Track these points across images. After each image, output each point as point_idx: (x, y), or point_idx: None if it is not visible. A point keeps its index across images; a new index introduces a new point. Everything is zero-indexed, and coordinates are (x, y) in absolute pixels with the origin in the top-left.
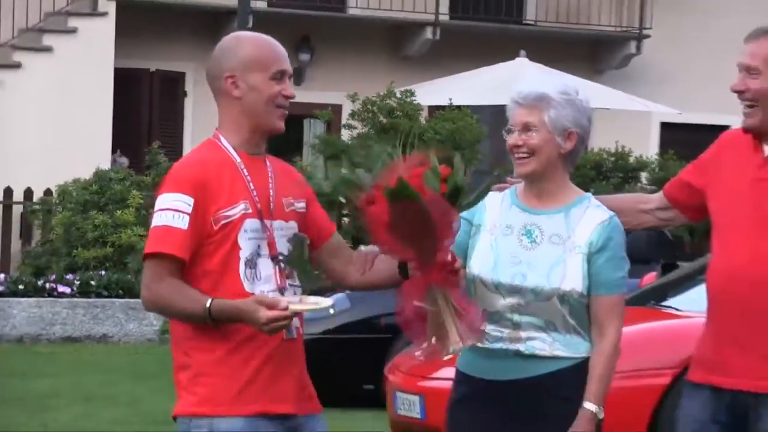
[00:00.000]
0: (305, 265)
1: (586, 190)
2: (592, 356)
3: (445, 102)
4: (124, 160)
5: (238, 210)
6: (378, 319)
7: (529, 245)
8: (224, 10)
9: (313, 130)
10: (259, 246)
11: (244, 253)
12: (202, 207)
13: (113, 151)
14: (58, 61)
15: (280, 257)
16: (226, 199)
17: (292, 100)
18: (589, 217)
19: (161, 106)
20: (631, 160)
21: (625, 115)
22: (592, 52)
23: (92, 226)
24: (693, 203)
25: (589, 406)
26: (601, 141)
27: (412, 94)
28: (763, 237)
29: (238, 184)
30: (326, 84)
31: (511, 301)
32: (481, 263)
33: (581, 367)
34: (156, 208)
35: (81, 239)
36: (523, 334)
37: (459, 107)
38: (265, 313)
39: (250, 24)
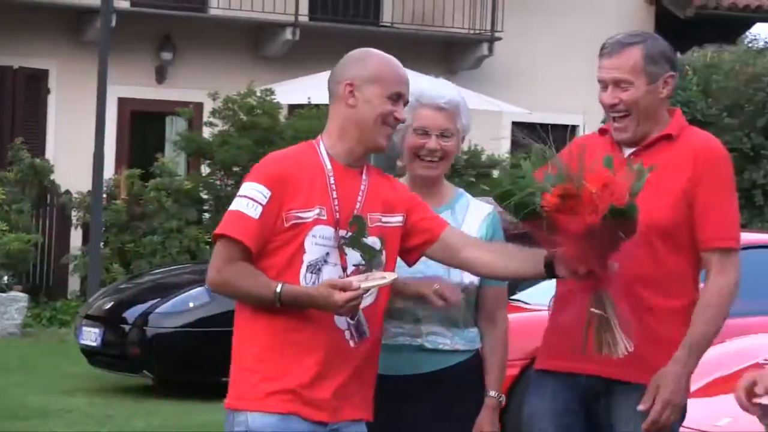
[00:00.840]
0: (364, 245)
1: None
2: (487, 344)
3: (304, 101)
4: None
5: (311, 214)
6: None
7: None
8: (87, 8)
9: (175, 128)
10: (327, 254)
11: (308, 257)
12: (277, 201)
13: None
14: None
15: (342, 240)
16: (302, 201)
17: (153, 98)
18: (473, 211)
19: (25, 102)
20: (484, 158)
21: (478, 114)
22: (446, 54)
23: None
24: None
25: (493, 394)
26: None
27: (272, 93)
28: None
29: (319, 189)
30: (188, 82)
31: (413, 298)
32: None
33: (477, 358)
34: (238, 193)
35: None
36: (423, 328)
37: (318, 106)
38: (340, 296)
39: (113, 23)
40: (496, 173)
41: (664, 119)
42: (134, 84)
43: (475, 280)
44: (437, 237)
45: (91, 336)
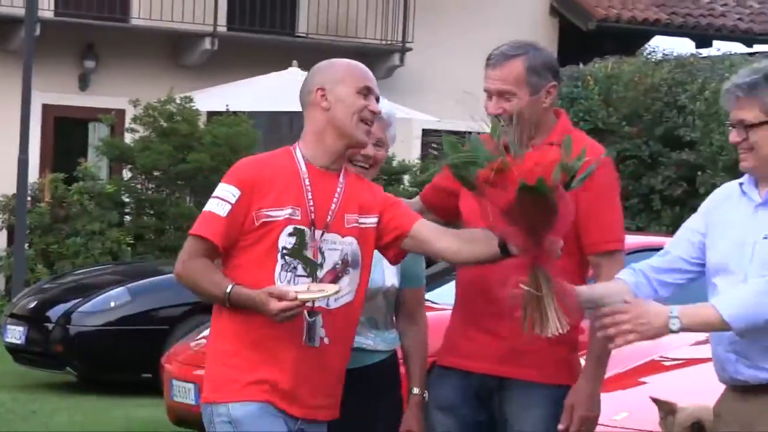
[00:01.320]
0: (305, 257)
1: None
2: (408, 343)
3: (222, 108)
4: None
5: (283, 213)
6: (156, 311)
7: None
8: (11, 18)
9: (97, 133)
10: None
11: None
12: (246, 201)
13: None
14: None
15: (284, 250)
16: (273, 200)
17: (77, 105)
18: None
19: None
20: (395, 164)
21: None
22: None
23: None
24: (448, 205)
25: (416, 391)
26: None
27: (191, 100)
28: None
29: (294, 190)
30: (110, 90)
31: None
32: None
33: (394, 357)
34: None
35: None
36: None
37: (235, 113)
38: (275, 305)
39: (37, 32)
40: (407, 178)
41: (548, 126)
42: (58, 91)
43: (396, 282)
44: (408, 232)
45: (16, 334)
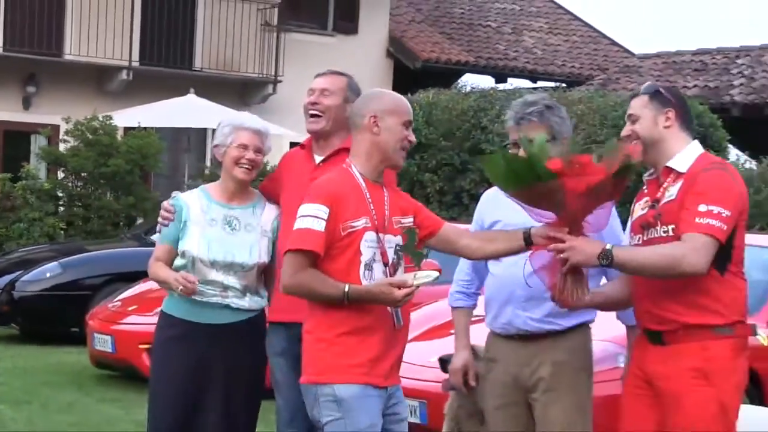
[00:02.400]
0: (415, 252)
1: None
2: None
3: (135, 124)
4: None
5: (360, 223)
6: (82, 280)
7: (231, 232)
8: None
9: (37, 143)
10: (374, 253)
11: (364, 258)
12: (334, 215)
13: None
14: None
15: (397, 247)
16: (352, 213)
17: (21, 120)
18: (268, 211)
19: None
20: (269, 168)
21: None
22: (241, 92)
23: None
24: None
25: None
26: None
27: (111, 118)
28: None
29: (362, 203)
30: (48, 109)
31: (223, 272)
32: (197, 247)
33: (262, 314)
34: (299, 214)
35: None
36: (230, 293)
37: (145, 128)
38: (399, 293)
39: None
40: None
41: (346, 134)
42: (6, 110)
43: (267, 259)
44: (437, 231)
45: None
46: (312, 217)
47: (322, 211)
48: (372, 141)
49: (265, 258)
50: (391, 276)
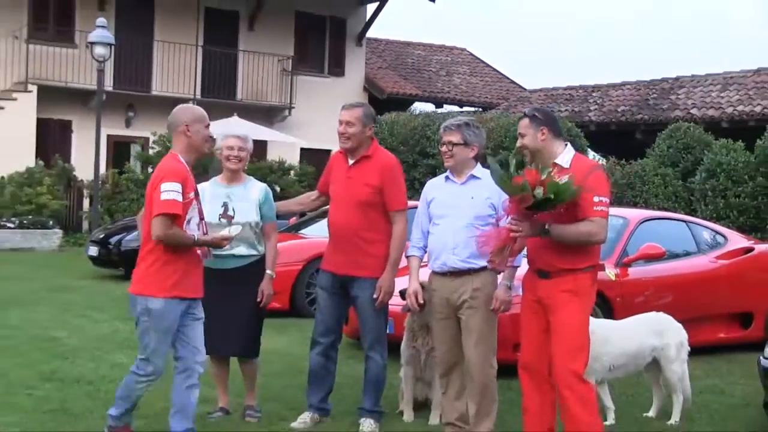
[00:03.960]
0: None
1: (267, 183)
2: (267, 250)
3: None
4: None
5: (193, 194)
6: None
7: (229, 203)
8: (88, 90)
9: (135, 149)
10: (195, 212)
11: (190, 215)
12: (184, 189)
13: None
14: None
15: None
16: (190, 188)
17: (125, 134)
18: (255, 187)
19: None
20: (286, 164)
21: (284, 144)
22: (267, 115)
23: None
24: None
25: (269, 272)
26: (274, 155)
27: None
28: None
29: (191, 181)
30: (141, 127)
31: (231, 228)
32: (209, 215)
33: (260, 260)
34: (163, 189)
35: None
36: (234, 244)
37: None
38: (225, 242)
39: (104, 98)
40: (292, 173)
41: (367, 146)
42: (114, 128)
43: (258, 219)
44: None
45: (94, 251)
46: (174, 192)
47: (180, 188)
48: (185, 142)
49: (256, 218)
50: (204, 225)
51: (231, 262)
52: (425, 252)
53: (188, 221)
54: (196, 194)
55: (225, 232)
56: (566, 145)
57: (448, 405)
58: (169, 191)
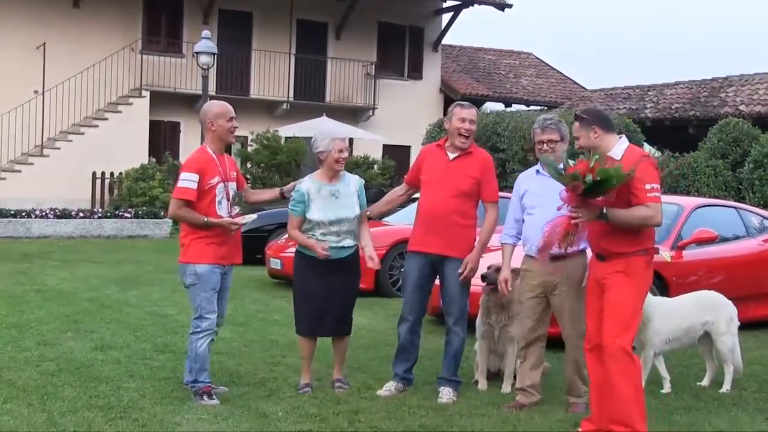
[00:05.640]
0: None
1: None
2: (361, 237)
3: (291, 134)
4: None
5: (215, 180)
6: (264, 226)
7: (336, 200)
8: (195, 95)
9: (236, 147)
10: (222, 194)
11: (217, 198)
12: (200, 179)
13: None
14: None
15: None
16: (210, 175)
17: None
18: (353, 180)
19: None
20: (370, 159)
21: (368, 141)
22: (353, 115)
23: None
24: (418, 183)
25: (369, 251)
26: (359, 152)
27: (277, 131)
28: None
29: (215, 168)
30: (241, 127)
31: (337, 225)
32: (316, 214)
33: (357, 248)
34: (181, 178)
35: None
36: (341, 237)
37: (297, 137)
38: (234, 227)
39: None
40: (375, 167)
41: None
42: None
43: (359, 211)
44: (242, 188)
45: None
46: (188, 180)
47: (195, 177)
48: (212, 134)
49: (358, 211)
50: (231, 205)
51: (343, 252)
52: (518, 240)
53: (219, 202)
54: (224, 180)
55: (240, 219)
56: (620, 138)
57: (524, 373)
58: (184, 180)
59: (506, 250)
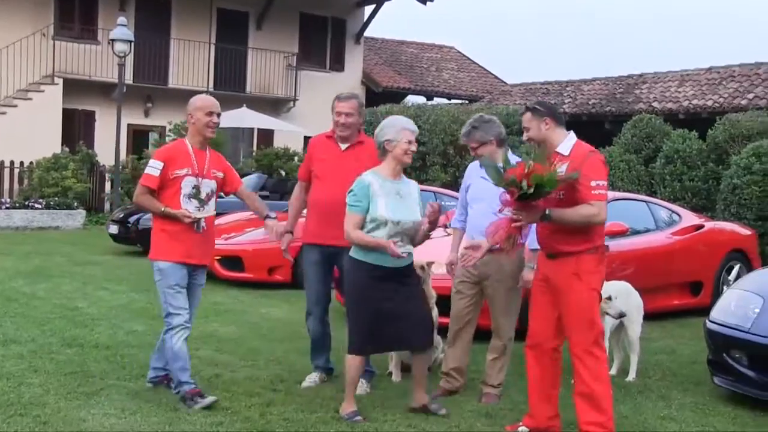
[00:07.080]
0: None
1: (274, 168)
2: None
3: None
4: None
5: (183, 171)
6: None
7: (401, 199)
8: (110, 83)
9: (153, 137)
10: (193, 188)
11: (184, 191)
12: (165, 167)
13: None
14: None
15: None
16: (178, 166)
17: (143, 123)
18: (414, 186)
19: None
20: (291, 151)
21: (288, 133)
22: (274, 106)
23: None
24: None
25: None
26: (280, 143)
27: None
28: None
29: (187, 159)
30: (159, 117)
31: (401, 227)
32: (384, 210)
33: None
34: (148, 164)
35: None
36: (401, 244)
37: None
38: (187, 219)
39: (124, 90)
40: (296, 158)
41: (358, 132)
42: (134, 117)
43: (420, 216)
44: (238, 188)
45: (114, 229)
46: (152, 168)
47: (160, 165)
48: (192, 126)
49: (420, 215)
50: (199, 204)
51: (406, 260)
52: (465, 226)
53: (186, 195)
54: (196, 174)
55: (196, 212)
56: (569, 133)
57: (451, 356)
58: (149, 166)
59: (455, 235)
